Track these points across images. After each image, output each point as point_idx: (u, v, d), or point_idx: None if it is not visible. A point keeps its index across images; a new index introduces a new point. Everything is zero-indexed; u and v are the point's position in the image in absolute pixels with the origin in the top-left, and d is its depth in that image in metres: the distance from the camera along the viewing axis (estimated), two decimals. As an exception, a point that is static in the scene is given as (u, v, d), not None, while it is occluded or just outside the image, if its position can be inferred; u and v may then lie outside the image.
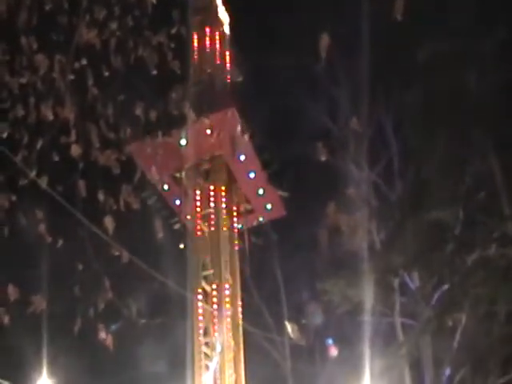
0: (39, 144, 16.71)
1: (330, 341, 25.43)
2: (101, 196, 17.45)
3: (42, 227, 16.93)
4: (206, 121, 19.73)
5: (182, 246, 20.64)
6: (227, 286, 21.07)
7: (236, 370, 20.71)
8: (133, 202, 18.50)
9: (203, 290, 20.95)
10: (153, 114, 17.82)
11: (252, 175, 21.99)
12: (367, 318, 23.72)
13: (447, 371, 27.17)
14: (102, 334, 18.41)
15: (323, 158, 20.67)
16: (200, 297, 20.79)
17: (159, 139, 19.98)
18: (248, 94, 22.43)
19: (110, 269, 21.46)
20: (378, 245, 24.10)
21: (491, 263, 26.47)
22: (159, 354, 22.13)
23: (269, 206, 23.04)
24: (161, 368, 22.02)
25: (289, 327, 21.14)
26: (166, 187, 21.94)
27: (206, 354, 20.53)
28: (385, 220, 24.74)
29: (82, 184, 15.91)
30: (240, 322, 20.94)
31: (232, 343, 20.70)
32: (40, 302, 18.91)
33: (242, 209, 23.04)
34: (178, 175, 21.59)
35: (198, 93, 20.22)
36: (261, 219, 23.75)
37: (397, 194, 24.90)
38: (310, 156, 22.40)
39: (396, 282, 26.24)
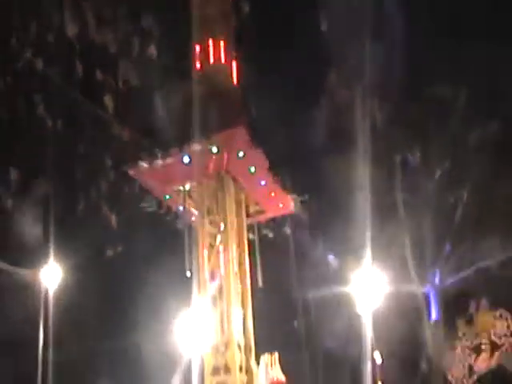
0: (34, 25, 16.34)
1: (331, 256, 25.83)
2: (99, 75, 17.22)
3: (41, 109, 16.78)
4: (214, 141, 19.48)
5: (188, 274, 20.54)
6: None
7: (239, 246, 20.90)
8: (132, 78, 18.30)
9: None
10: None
11: (263, 183, 21.55)
12: (370, 194, 23.67)
13: (448, 247, 27.57)
14: (106, 213, 18.62)
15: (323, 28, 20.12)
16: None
17: (157, 161, 19.70)
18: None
19: (112, 148, 21.49)
20: (381, 121, 23.75)
21: (493, 141, 26.39)
22: (163, 237, 22.37)
23: (280, 205, 22.73)
24: (165, 249, 22.33)
25: (291, 201, 21.22)
26: (167, 196, 21.69)
27: (209, 233, 20.65)
28: (387, 96, 24.28)
29: (78, 64, 15.65)
30: (243, 197, 20.95)
31: (235, 220, 20.78)
32: (43, 185, 19.00)
33: (251, 210, 22.77)
34: (181, 188, 21.20)
35: (205, 109, 19.71)
36: (271, 216, 23.54)
37: (400, 69, 24.29)
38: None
39: (398, 159, 26.12)
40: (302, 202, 21.69)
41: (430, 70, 24.50)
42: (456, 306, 27.23)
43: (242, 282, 20.94)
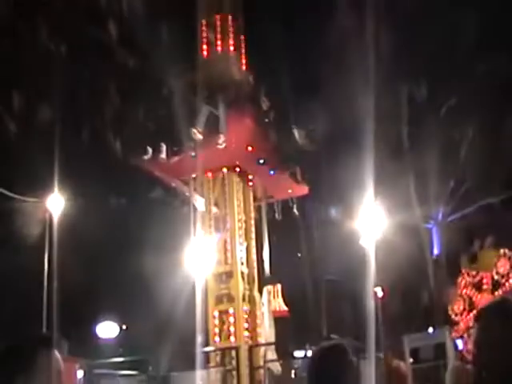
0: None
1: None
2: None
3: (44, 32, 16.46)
4: (222, 136, 19.04)
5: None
6: None
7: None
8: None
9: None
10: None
11: (272, 172, 21.16)
12: (374, 126, 23.41)
13: (451, 183, 27.51)
14: (111, 140, 18.40)
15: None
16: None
17: (170, 158, 19.33)
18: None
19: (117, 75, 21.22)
20: (387, 50, 23.33)
21: (500, 75, 26.01)
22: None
23: (290, 191, 22.36)
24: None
25: (296, 133, 20.94)
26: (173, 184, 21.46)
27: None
28: (394, 24, 23.81)
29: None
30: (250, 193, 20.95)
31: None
32: (47, 111, 18.74)
33: (260, 195, 22.48)
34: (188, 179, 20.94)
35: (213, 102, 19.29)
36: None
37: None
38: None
39: (404, 91, 25.83)
40: (310, 131, 21.37)
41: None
42: (458, 242, 27.38)
43: (246, 210, 20.89)
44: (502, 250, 25.86)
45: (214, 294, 20.21)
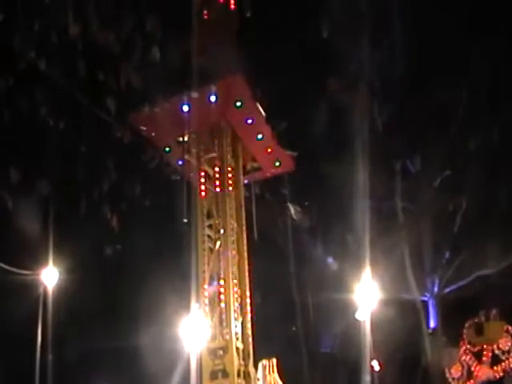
0: (37, 25, 16.21)
1: (330, 259, 25.81)
2: (101, 76, 17.13)
3: (44, 110, 16.72)
4: (212, 88, 19.51)
5: (185, 220, 20.40)
6: (229, 169, 20.95)
7: (238, 252, 20.92)
8: (134, 80, 18.20)
9: (206, 172, 20.81)
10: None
11: (260, 136, 21.56)
12: (369, 201, 23.69)
13: (447, 254, 27.61)
14: (108, 215, 18.46)
15: (324, 35, 20.18)
16: (203, 180, 20.65)
17: (158, 108, 19.64)
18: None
19: (114, 150, 21.48)
20: (380, 127, 23.84)
21: (493, 148, 26.47)
22: (163, 238, 22.38)
23: (277, 164, 22.72)
24: (165, 251, 22.33)
25: (291, 209, 21.17)
26: (167, 149, 21.67)
27: (209, 237, 20.71)
28: (387, 102, 24.38)
29: (81, 64, 15.52)
30: (242, 203, 20.95)
31: (235, 225, 20.80)
32: (44, 186, 18.80)
33: (249, 167, 22.80)
34: (180, 139, 21.18)
35: (205, 58, 19.72)
36: (268, 174, 23.53)
37: (400, 74, 24.39)
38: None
39: (398, 166, 26.19)
40: (304, 207, 21.70)
41: (433, 74, 24.53)
42: (455, 314, 27.38)
43: (241, 286, 20.90)
44: (505, 326, 26.02)
45: (208, 369, 20.05)
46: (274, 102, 20.40)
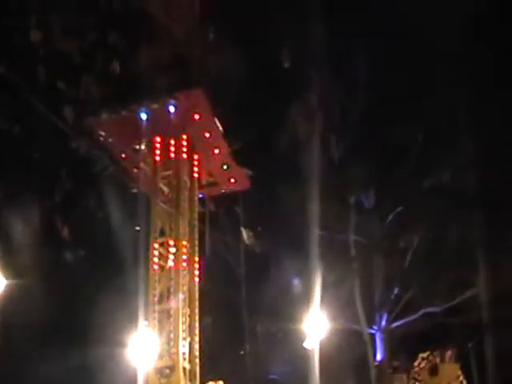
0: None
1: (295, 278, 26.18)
2: (61, 85, 17.38)
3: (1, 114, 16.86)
4: (171, 100, 19.98)
5: (137, 228, 20.69)
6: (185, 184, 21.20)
7: (190, 272, 21.09)
8: (94, 92, 18.53)
9: (161, 189, 21.06)
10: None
11: (216, 151, 22.09)
12: (321, 232, 24.20)
13: (396, 290, 28.14)
14: (60, 226, 18.53)
15: (286, 65, 20.84)
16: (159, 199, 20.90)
17: (117, 115, 19.97)
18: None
19: (69, 160, 21.66)
20: (337, 160, 24.48)
21: (446, 188, 27.29)
22: (114, 252, 22.46)
23: (232, 180, 23.20)
24: (116, 266, 22.40)
25: (244, 233, 21.49)
26: (123, 155, 21.98)
27: (160, 254, 20.89)
28: (345, 136, 25.08)
29: (41, 71, 15.74)
30: (196, 223, 21.24)
31: (187, 245, 21.00)
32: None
33: (204, 182, 23.23)
34: (137, 147, 21.57)
35: (166, 67, 20.20)
36: (223, 191, 23.97)
37: (358, 110, 25.16)
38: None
39: (352, 199, 26.78)
40: (257, 233, 22.07)
41: (391, 113, 25.26)
42: (402, 349, 27.83)
43: (191, 305, 21.03)
44: (458, 371, 26.47)
45: (154, 388, 20.07)
46: (231, 122, 20.79)
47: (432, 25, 23.16)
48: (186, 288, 20.95)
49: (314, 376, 20.61)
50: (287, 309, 24.05)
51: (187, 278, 21.01)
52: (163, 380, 20.25)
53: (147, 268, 20.23)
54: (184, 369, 20.52)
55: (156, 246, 20.57)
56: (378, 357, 27.73)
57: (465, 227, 27.32)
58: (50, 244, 21.39)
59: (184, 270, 20.74)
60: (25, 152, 20.35)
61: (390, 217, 27.68)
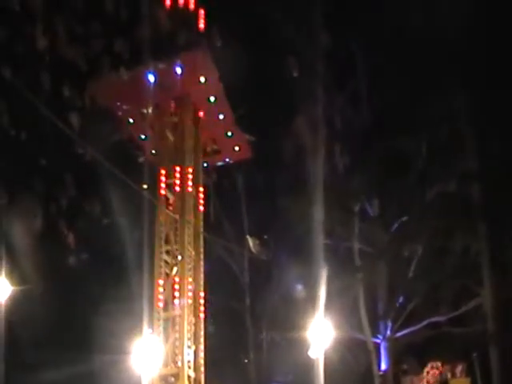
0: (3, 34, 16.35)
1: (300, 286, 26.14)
2: (66, 91, 17.39)
3: (6, 119, 16.85)
4: (177, 59, 19.94)
5: (145, 186, 20.57)
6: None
7: (195, 279, 21.15)
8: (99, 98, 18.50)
9: (166, 197, 21.12)
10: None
11: (221, 117, 22.02)
12: (326, 240, 24.18)
13: (400, 299, 28.07)
14: (65, 231, 18.52)
15: (294, 74, 20.89)
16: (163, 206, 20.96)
17: (123, 75, 19.89)
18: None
19: (74, 166, 21.66)
20: (341, 168, 24.48)
21: (450, 198, 27.27)
22: (120, 258, 22.46)
23: (236, 148, 23.15)
24: (121, 272, 22.42)
25: (250, 241, 21.52)
26: (131, 120, 21.90)
27: (166, 262, 20.93)
28: (349, 145, 25.09)
29: (47, 77, 15.74)
30: (201, 230, 21.28)
31: (192, 252, 21.07)
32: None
33: (208, 149, 23.20)
34: (144, 111, 21.53)
35: (172, 29, 20.11)
36: (227, 159, 23.90)
37: (363, 119, 25.19)
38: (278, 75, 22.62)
39: (356, 208, 26.75)
40: (263, 240, 22.09)
41: (396, 122, 25.29)
42: (405, 359, 27.76)
43: (196, 314, 21.06)
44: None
45: (159, 396, 20.09)
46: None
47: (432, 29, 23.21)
48: (191, 296, 21.03)
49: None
50: (291, 317, 24.01)
51: (192, 286, 21.10)
52: (168, 388, 20.37)
53: (152, 275, 20.29)
54: (189, 377, 20.58)
55: (161, 253, 20.67)
56: (383, 366, 27.66)
57: (469, 237, 27.30)
58: (53, 249, 21.37)
59: (189, 277, 20.83)
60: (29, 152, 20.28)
61: (395, 225, 27.61)
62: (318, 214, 22.54)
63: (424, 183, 27.16)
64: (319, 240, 22.70)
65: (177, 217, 20.48)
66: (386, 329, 27.79)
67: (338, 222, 24.86)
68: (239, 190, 23.01)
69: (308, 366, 21.46)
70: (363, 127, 24.90)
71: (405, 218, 27.54)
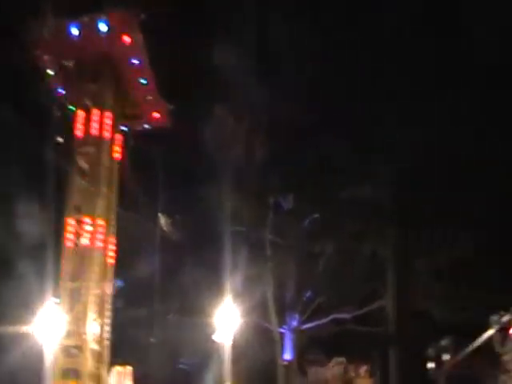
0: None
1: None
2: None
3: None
4: (103, 15, 19.87)
5: (60, 139, 20.30)
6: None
7: (104, 252, 20.87)
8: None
9: (80, 168, 20.86)
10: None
11: (143, 81, 22.04)
12: (239, 227, 24.44)
13: (308, 293, 28.52)
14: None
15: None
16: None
17: (49, 22, 19.74)
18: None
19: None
20: (260, 160, 24.76)
21: (363, 202, 27.86)
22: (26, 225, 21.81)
23: (156, 115, 23.15)
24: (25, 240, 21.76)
25: (162, 219, 21.52)
26: (51, 72, 21.61)
27: (75, 231, 20.60)
28: (272, 139, 25.34)
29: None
30: (114, 204, 21.11)
31: (103, 224, 20.81)
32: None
33: (128, 111, 23.09)
34: (65, 63, 21.31)
35: None
36: (146, 126, 23.85)
37: (290, 116, 25.51)
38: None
39: (271, 200, 27.05)
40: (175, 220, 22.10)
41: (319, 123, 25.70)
42: (309, 351, 28.17)
43: (103, 288, 20.82)
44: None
45: (60, 367, 19.69)
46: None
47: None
48: (98, 269, 20.79)
49: (226, 370, 20.53)
50: (200, 301, 24.05)
51: (101, 258, 20.88)
52: (70, 359, 19.95)
53: (60, 244, 20.00)
54: (92, 350, 20.28)
55: (71, 222, 20.38)
56: (288, 356, 27.98)
57: (378, 241, 28.03)
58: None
59: (98, 248, 20.61)
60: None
61: (306, 221, 28.06)
62: (231, 201, 22.77)
63: (340, 184, 27.45)
64: (227, 227, 22.86)
65: (90, 187, 20.27)
66: (292, 320, 28.21)
67: (252, 212, 25.10)
68: (158, 169, 22.86)
69: (213, 350, 21.53)
70: (289, 124, 25.08)
71: (317, 216, 28.03)
